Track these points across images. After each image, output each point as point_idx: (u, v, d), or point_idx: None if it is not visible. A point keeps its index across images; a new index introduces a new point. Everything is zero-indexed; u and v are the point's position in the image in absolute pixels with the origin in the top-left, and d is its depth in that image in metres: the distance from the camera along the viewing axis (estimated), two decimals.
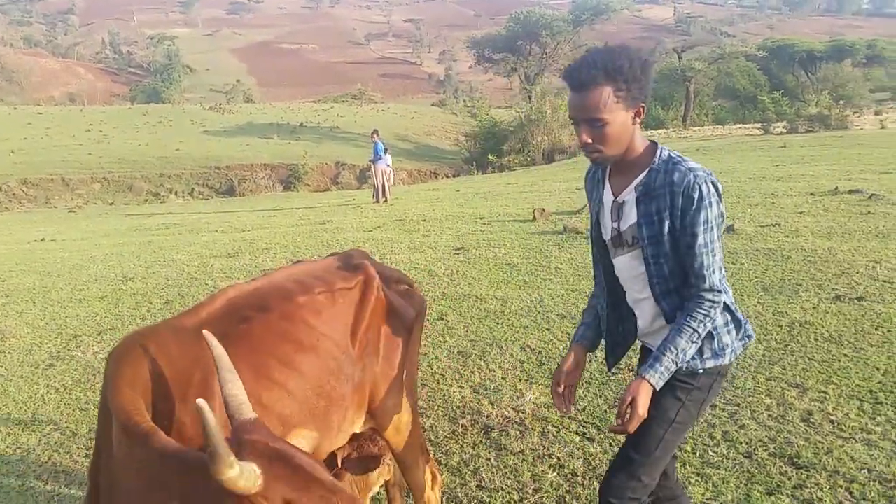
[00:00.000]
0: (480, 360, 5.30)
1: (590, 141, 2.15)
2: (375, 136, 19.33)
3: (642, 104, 2.16)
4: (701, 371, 2.24)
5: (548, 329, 5.84)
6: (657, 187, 2.15)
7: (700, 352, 2.22)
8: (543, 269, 7.84)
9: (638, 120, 2.17)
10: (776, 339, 5.10)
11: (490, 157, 33.77)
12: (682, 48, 51.43)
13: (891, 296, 5.87)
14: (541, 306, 6.47)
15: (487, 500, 3.43)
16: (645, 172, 2.19)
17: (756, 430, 3.84)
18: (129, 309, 7.56)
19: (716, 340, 2.23)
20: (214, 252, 10.84)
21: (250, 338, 2.30)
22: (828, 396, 4.14)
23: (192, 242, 12.30)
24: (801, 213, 9.59)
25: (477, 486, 3.56)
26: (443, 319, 6.32)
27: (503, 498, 3.43)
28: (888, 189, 10.90)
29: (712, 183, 2.11)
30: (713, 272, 2.13)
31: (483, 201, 15.36)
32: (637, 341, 2.50)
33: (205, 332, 1.89)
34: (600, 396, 4.47)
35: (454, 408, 4.47)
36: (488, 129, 37.48)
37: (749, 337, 2.34)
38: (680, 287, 2.21)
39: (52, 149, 35.92)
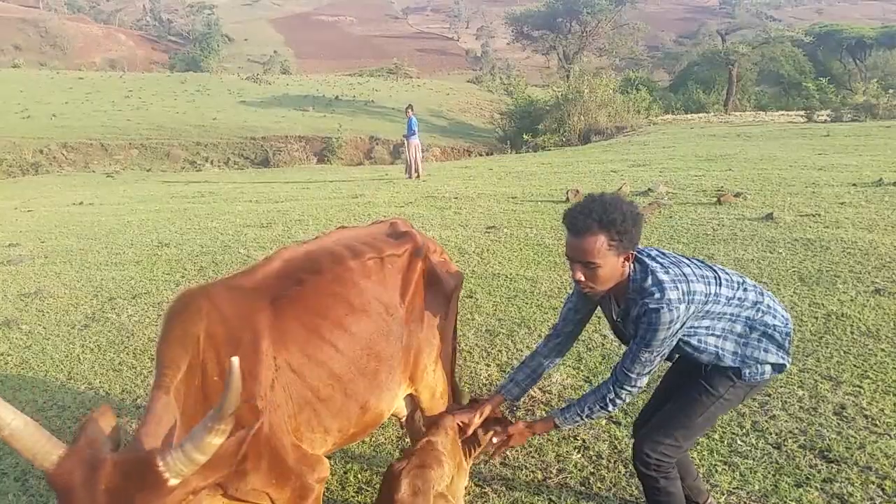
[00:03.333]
0: (508, 339, 5.28)
1: (582, 279, 2.44)
2: (410, 111, 19.13)
3: (632, 251, 2.41)
4: (741, 380, 2.58)
5: None
6: (630, 311, 2.49)
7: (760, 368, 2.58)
8: None
9: (627, 264, 2.43)
10: (811, 331, 4.99)
11: (525, 136, 33.38)
12: (725, 31, 50.30)
13: None
14: (570, 288, 6.41)
15: (511, 477, 3.43)
16: (624, 300, 2.53)
17: (787, 421, 3.78)
18: (164, 274, 7.68)
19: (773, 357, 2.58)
20: (248, 221, 10.94)
21: (304, 299, 2.38)
22: (862, 391, 4.05)
23: (226, 211, 12.43)
24: (842, 203, 9.34)
25: (501, 464, 3.56)
26: (472, 297, 6.31)
27: (527, 476, 3.43)
28: None
29: (666, 313, 2.36)
30: (629, 361, 2.47)
31: (516, 180, 15.24)
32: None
33: (233, 359, 1.72)
34: None
35: (480, 385, 4.47)
36: (524, 108, 36.98)
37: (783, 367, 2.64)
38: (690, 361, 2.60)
39: (92, 114, 36.51)
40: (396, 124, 20.45)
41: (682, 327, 2.41)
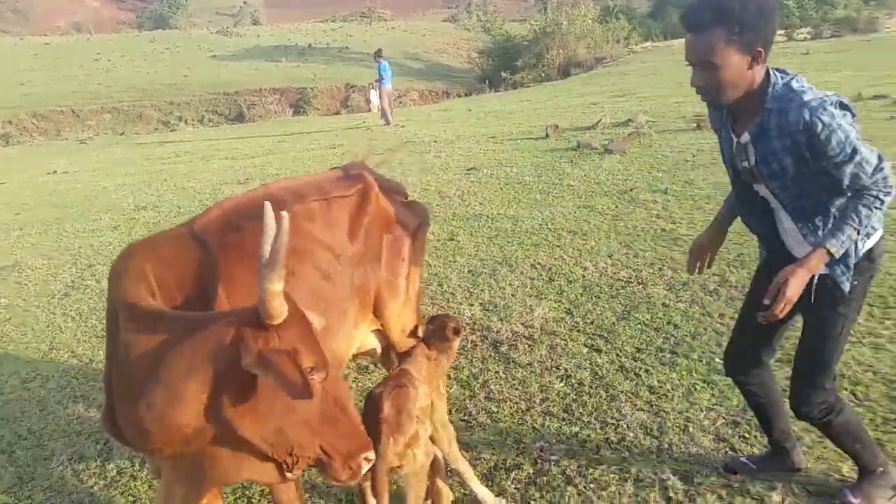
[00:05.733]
0: (491, 278, 5.29)
1: (700, 84, 2.15)
2: (379, 56, 18.33)
3: (759, 49, 2.07)
4: (857, 282, 2.26)
5: (558, 246, 5.80)
6: (771, 129, 2.14)
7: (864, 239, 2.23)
8: (555, 187, 7.73)
9: (756, 65, 2.10)
10: None
11: (503, 74, 32.91)
12: None
13: None
14: (552, 224, 6.41)
15: (496, 410, 3.47)
16: (759, 114, 2.16)
17: None
18: (143, 237, 7.60)
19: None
20: (225, 179, 10.81)
21: (243, 245, 2.32)
22: None
23: (203, 170, 12.27)
24: None
25: (486, 398, 3.60)
26: (453, 240, 6.29)
27: (511, 408, 3.47)
28: None
29: (832, 106, 2.05)
30: (864, 165, 2.07)
31: (495, 120, 15.08)
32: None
33: (266, 203, 1.92)
34: (608, 309, 4.46)
35: (464, 324, 4.48)
36: (502, 45, 36.36)
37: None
38: (817, 207, 2.23)
39: (61, 80, 35.63)
40: (373, 70, 20.09)
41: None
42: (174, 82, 34.97)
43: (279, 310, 1.77)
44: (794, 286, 2.14)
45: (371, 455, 1.97)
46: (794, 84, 2.13)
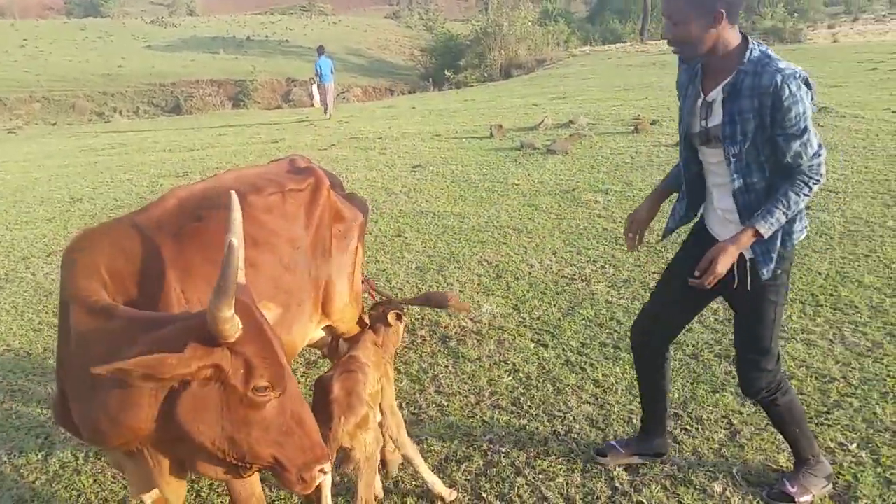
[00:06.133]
0: (438, 274, 5.35)
1: (669, 37, 2.35)
2: (321, 52, 19.08)
3: (721, 10, 2.23)
4: (780, 270, 2.43)
5: (504, 243, 5.90)
6: (744, 88, 2.27)
7: (789, 232, 2.40)
8: (500, 185, 7.85)
9: (718, 24, 2.26)
10: None
11: (446, 73, 33.05)
12: None
13: (834, 204, 6.06)
14: (497, 221, 6.52)
15: (446, 404, 3.53)
16: (734, 74, 2.29)
17: (702, 332, 4.01)
18: (78, 230, 7.36)
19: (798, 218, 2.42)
20: (163, 172, 10.56)
21: (204, 234, 2.32)
22: None
23: (139, 162, 11.93)
24: None
25: (436, 392, 3.66)
26: (401, 236, 6.33)
27: (461, 401, 3.54)
28: (837, 102, 11.07)
29: (801, 78, 2.21)
30: (809, 147, 2.25)
31: (440, 118, 15.15)
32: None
33: (232, 192, 1.88)
34: (554, 305, 4.58)
35: (412, 320, 4.53)
36: (444, 44, 36.55)
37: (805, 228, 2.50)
38: (758, 184, 2.37)
39: None
40: (314, 64, 19.96)
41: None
42: (108, 72, 33.81)
43: (230, 332, 1.73)
44: (724, 261, 2.33)
45: (327, 467, 1.96)
46: (771, 53, 2.30)
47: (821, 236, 5.35)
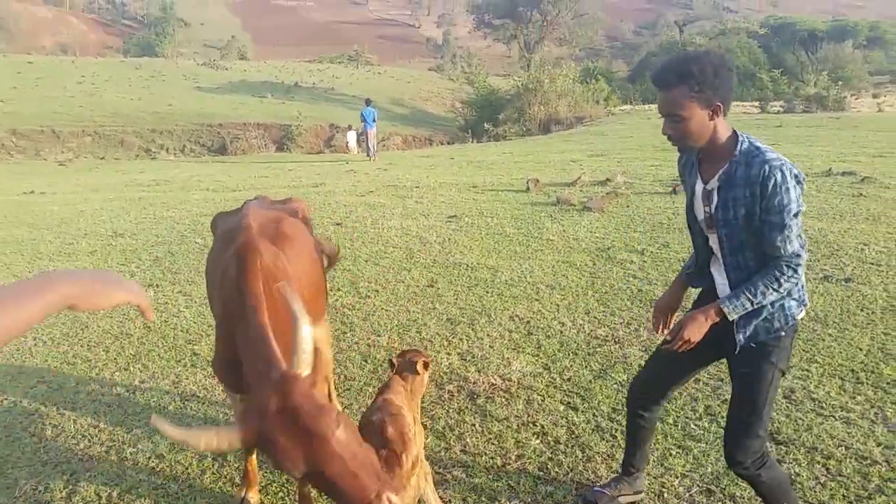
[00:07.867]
0: (469, 327, 5.32)
1: (670, 133, 2.46)
2: (368, 104, 21.25)
3: (718, 103, 2.38)
4: (783, 333, 2.53)
5: (536, 299, 5.86)
6: (738, 178, 2.41)
7: (788, 308, 2.52)
8: (535, 240, 7.84)
9: (716, 117, 2.41)
10: None
11: (486, 125, 33.48)
12: (683, 22, 51.12)
13: (877, 278, 5.92)
14: (530, 276, 6.49)
15: (471, 463, 3.47)
16: (728, 163, 2.44)
17: None
18: (118, 264, 7.53)
19: (797, 294, 2.54)
20: (205, 210, 10.77)
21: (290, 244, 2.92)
22: (810, 374, 4.19)
23: (183, 200, 12.22)
24: None
25: (461, 451, 3.60)
26: (433, 286, 6.33)
27: (486, 462, 3.47)
28: (881, 172, 10.91)
29: (788, 170, 2.33)
30: (788, 244, 2.38)
31: (477, 170, 15.29)
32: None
33: (282, 284, 2.14)
34: (585, 367, 4.51)
35: (441, 374, 4.50)
36: (485, 97, 37.06)
37: (805, 303, 2.60)
38: (749, 262, 2.50)
39: (43, 100, 35.37)
40: (358, 112, 20.54)
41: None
42: (158, 110, 34.93)
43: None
44: (691, 329, 2.49)
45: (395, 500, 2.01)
46: (760, 144, 2.42)
47: (862, 310, 5.22)
